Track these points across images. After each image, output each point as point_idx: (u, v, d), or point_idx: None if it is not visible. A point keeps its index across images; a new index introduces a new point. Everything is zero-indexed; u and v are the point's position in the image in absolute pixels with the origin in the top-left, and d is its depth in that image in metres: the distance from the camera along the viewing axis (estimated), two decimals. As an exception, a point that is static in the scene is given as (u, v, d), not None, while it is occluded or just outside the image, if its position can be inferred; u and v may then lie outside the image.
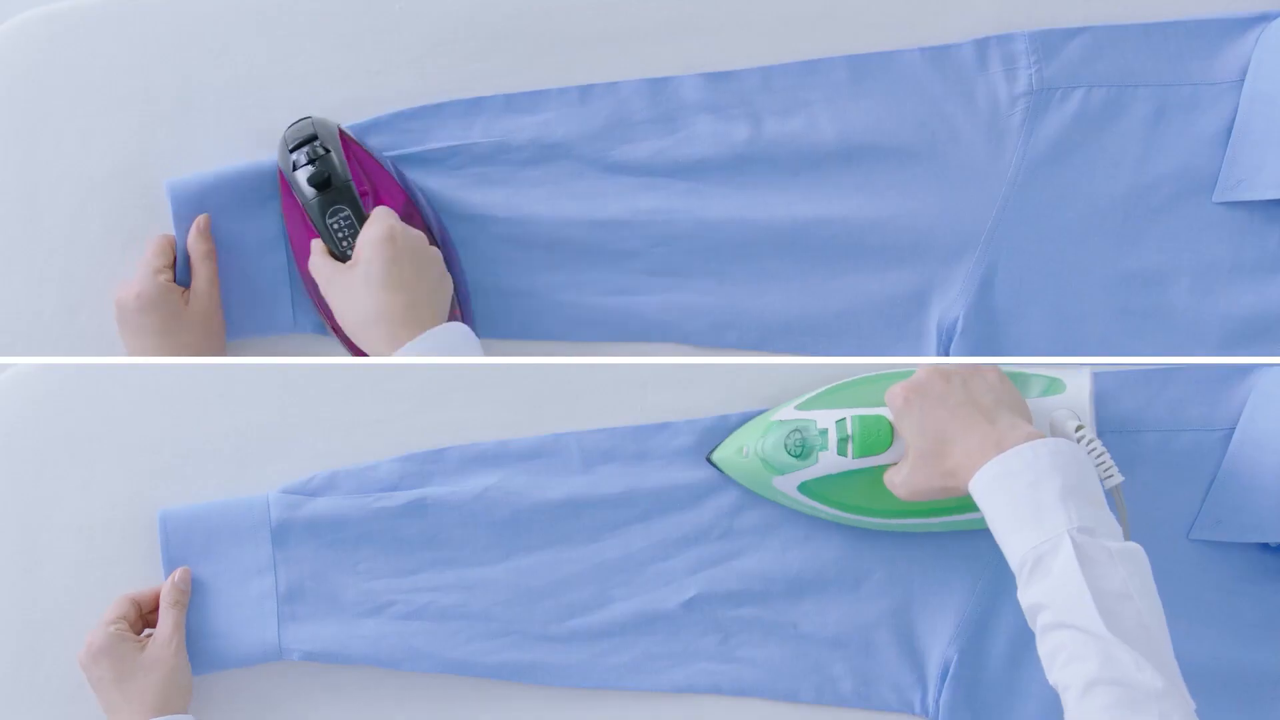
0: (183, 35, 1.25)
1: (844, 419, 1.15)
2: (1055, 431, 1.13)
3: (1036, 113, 1.23)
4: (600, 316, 1.25)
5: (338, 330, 1.20)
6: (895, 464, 1.14)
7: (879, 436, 1.14)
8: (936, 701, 1.20)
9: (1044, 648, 1.01)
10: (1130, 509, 1.14)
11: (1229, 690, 1.19)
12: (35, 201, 1.24)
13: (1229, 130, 1.22)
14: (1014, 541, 1.04)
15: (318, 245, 1.18)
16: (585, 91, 1.25)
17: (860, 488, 1.16)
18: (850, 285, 1.24)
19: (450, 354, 1.12)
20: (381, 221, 1.14)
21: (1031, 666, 1.19)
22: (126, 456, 1.22)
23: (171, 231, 1.22)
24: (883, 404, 1.14)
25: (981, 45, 1.24)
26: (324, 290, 1.17)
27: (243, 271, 1.23)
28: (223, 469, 1.22)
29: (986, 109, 1.24)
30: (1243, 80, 1.22)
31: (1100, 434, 1.20)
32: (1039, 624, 1.02)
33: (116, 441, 1.22)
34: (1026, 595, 1.03)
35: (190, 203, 1.22)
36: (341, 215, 1.17)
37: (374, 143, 1.23)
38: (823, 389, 1.19)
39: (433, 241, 1.19)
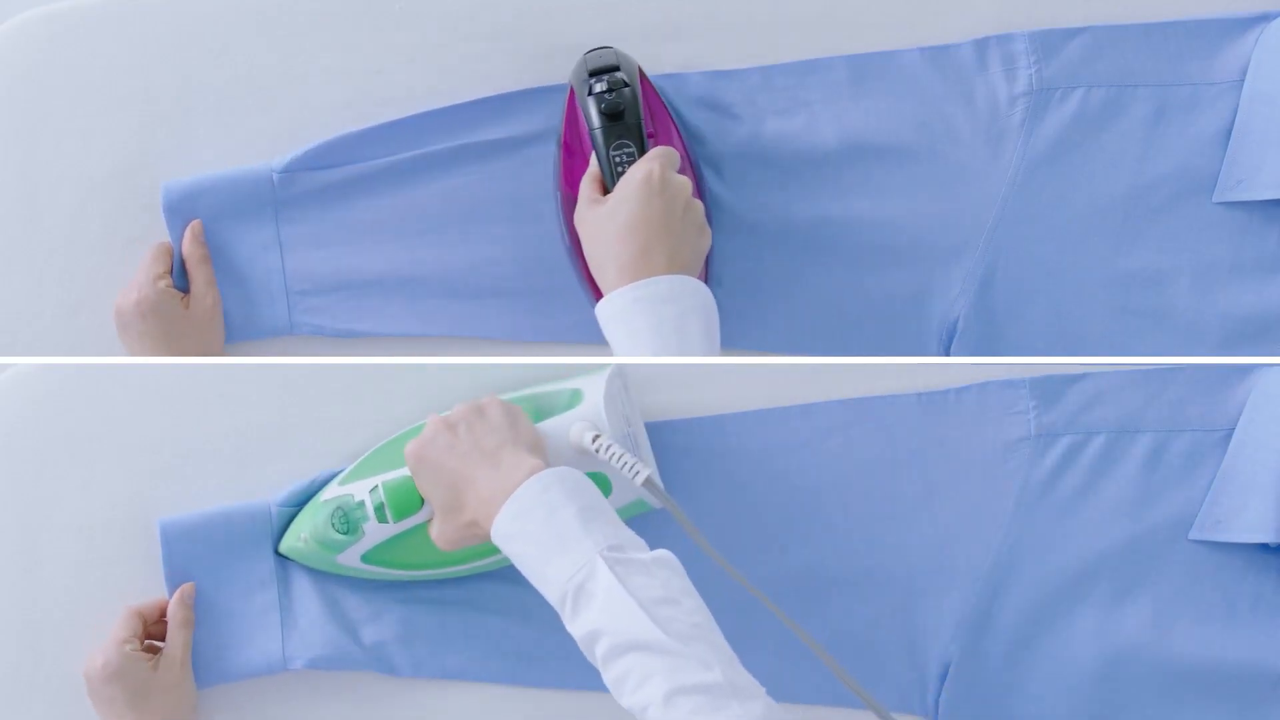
0: (183, 35, 1.25)
1: (375, 487, 1.14)
2: (576, 447, 1.12)
3: (1036, 113, 1.23)
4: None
5: (581, 259, 1.18)
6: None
7: (409, 498, 1.13)
8: (936, 701, 1.20)
9: (610, 675, 0.99)
10: (1130, 509, 1.13)
11: (1229, 690, 1.19)
12: (35, 201, 1.24)
13: (1229, 130, 1.22)
14: (549, 577, 1.02)
15: (592, 171, 1.16)
16: (585, 91, 1.25)
17: (419, 546, 1.15)
18: (850, 285, 1.24)
19: (671, 305, 1.08)
20: (647, 162, 1.12)
21: (1032, 666, 1.19)
22: (126, 456, 1.21)
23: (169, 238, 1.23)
24: None
25: (981, 45, 1.24)
26: (576, 217, 1.16)
27: (238, 275, 1.24)
28: (223, 469, 1.21)
29: (986, 109, 1.24)
30: (1242, 80, 1.23)
31: (1099, 434, 1.20)
32: (599, 653, 0.99)
33: (116, 441, 1.22)
34: (577, 626, 1.01)
35: (184, 207, 1.22)
36: (626, 150, 1.15)
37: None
38: (363, 457, 1.18)
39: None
